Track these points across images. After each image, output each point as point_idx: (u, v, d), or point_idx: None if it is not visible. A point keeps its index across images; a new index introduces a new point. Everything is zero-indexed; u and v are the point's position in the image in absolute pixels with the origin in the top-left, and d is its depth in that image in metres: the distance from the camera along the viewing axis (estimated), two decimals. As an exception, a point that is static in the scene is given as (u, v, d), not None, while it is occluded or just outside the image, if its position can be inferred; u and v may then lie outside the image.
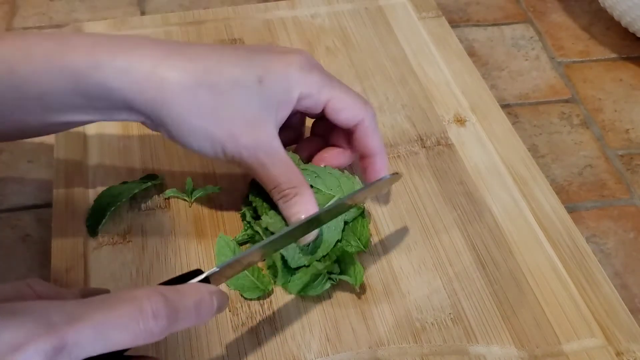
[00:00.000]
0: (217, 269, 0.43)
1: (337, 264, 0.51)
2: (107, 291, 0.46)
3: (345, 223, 0.53)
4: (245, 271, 0.51)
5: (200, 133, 0.49)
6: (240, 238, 0.54)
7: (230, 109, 0.48)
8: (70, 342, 0.35)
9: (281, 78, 0.49)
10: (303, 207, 0.50)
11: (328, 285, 0.51)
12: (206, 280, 0.43)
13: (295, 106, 0.51)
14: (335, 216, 0.51)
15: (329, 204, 0.51)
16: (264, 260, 0.52)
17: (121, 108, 0.48)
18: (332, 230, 0.52)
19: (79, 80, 0.47)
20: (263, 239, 0.51)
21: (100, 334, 0.36)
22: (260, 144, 0.49)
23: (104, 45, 0.47)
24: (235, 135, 0.49)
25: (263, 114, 0.49)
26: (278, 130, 0.50)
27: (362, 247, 0.53)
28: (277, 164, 0.50)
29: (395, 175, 0.52)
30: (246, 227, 0.54)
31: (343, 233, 0.53)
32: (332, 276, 0.51)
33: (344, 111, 0.52)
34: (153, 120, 0.48)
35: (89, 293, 0.42)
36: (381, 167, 0.54)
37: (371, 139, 0.53)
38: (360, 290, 0.51)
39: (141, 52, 0.48)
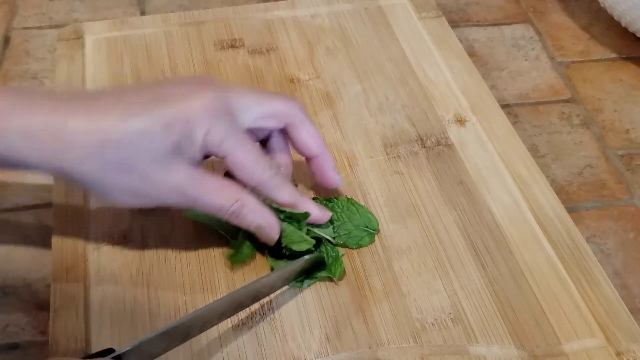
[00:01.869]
0: (130, 347, 0.43)
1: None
2: None
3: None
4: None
5: (119, 190, 0.49)
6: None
7: (141, 161, 0.48)
8: None
9: (186, 122, 0.48)
10: (254, 214, 0.50)
11: (306, 283, 0.51)
12: (119, 358, 0.43)
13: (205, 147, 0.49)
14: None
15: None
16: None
17: (28, 169, 0.48)
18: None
19: None
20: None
21: None
22: (181, 184, 0.49)
23: (2, 107, 0.46)
24: (154, 184, 0.48)
25: (174, 157, 0.48)
26: (199, 159, 0.50)
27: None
28: (207, 191, 0.50)
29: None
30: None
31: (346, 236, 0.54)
32: (313, 276, 0.52)
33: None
34: (66, 181, 0.48)
35: None
36: (326, 165, 0.54)
37: (304, 136, 0.53)
38: (359, 290, 0.51)
39: (41, 113, 0.46)
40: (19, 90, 0.48)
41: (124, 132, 0.47)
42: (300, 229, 0.52)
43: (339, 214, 0.55)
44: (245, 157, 0.50)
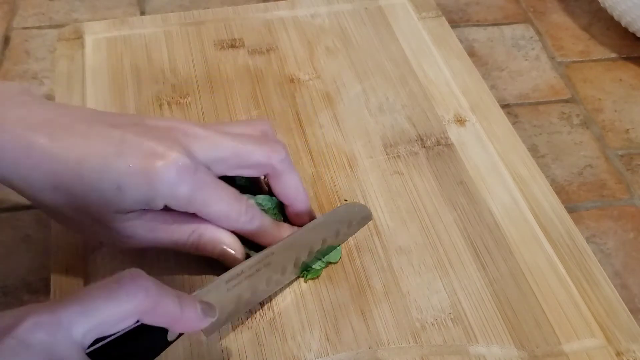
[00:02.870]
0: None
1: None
2: None
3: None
4: None
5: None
6: None
7: (85, 215, 0.47)
8: (64, 317, 0.36)
9: (142, 189, 0.46)
10: (213, 242, 0.50)
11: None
12: None
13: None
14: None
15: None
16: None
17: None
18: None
19: None
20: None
21: (87, 309, 0.37)
22: (137, 235, 0.48)
23: None
24: (112, 238, 0.49)
25: (118, 216, 0.47)
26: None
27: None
28: (162, 232, 0.49)
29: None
30: None
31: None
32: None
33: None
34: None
35: None
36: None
37: (282, 187, 0.52)
38: (359, 290, 0.51)
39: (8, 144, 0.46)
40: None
41: (80, 183, 0.46)
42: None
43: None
44: (217, 210, 0.48)
